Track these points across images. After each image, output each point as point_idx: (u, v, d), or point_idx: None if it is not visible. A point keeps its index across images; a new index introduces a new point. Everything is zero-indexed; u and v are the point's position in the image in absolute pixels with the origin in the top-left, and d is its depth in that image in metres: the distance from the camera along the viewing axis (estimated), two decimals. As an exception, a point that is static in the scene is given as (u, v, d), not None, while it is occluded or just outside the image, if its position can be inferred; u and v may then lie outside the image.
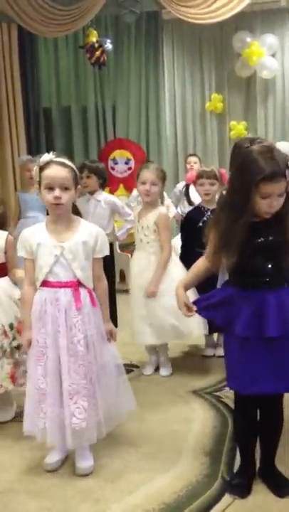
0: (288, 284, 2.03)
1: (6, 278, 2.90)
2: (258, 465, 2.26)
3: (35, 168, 2.31)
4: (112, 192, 6.03)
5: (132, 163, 6.83)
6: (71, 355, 2.27)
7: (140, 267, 3.43)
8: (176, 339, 3.49)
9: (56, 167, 2.26)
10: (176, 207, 5.48)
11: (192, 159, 5.96)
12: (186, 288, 2.14)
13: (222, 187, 3.36)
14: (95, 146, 7.29)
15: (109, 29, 7.03)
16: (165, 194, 3.68)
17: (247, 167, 1.90)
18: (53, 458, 2.45)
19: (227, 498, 2.15)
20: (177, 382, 3.38)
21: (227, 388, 2.96)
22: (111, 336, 2.46)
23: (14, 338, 2.76)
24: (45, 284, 2.32)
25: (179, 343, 3.82)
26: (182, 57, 7.15)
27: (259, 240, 1.97)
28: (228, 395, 3.05)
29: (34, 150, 6.95)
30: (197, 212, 3.59)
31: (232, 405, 2.91)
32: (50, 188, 2.25)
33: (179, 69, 7.17)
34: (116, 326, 3.97)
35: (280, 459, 2.26)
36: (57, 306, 2.29)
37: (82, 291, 2.32)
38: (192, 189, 4.07)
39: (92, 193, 4.17)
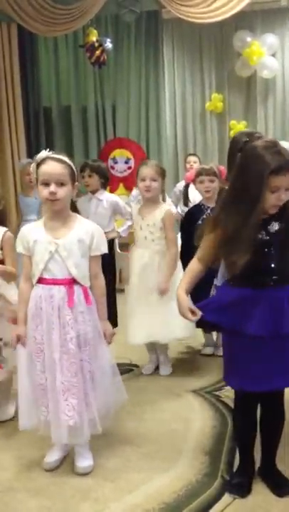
0: None
1: None
2: (257, 464, 2.26)
3: (33, 165, 2.33)
4: (111, 191, 6.03)
5: (132, 163, 6.83)
6: (63, 353, 2.28)
7: (143, 265, 3.39)
8: (166, 339, 3.46)
9: (52, 163, 2.27)
10: (176, 206, 5.47)
11: (192, 159, 5.96)
12: (187, 292, 2.09)
13: (222, 184, 3.37)
14: (95, 146, 7.29)
15: (109, 28, 7.03)
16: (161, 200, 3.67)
17: (253, 163, 1.89)
18: (52, 457, 2.46)
19: (227, 497, 2.15)
20: (177, 382, 3.38)
21: (227, 387, 2.96)
22: (106, 337, 2.40)
23: None
24: (40, 280, 2.32)
25: (179, 342, 3.82)
26: (182, 57, 7.15)
27: (266, 238, 1.96)
28: (227, 394, 3.05)
29: (34, 149, 6.94)
30: (198, 209, 3.59)
31: (231, 405, 2.91)
32: (46, 184, 2.26)
33: (179, 68, 7.17)
34: (116, 325, 3.97)
35: (280, 459, 2.26)
36: (51, 304, 2.29)
37: (77, 289, 2.31)
38: (192, 188, 4.06)
39: (93, 192, 4.17)
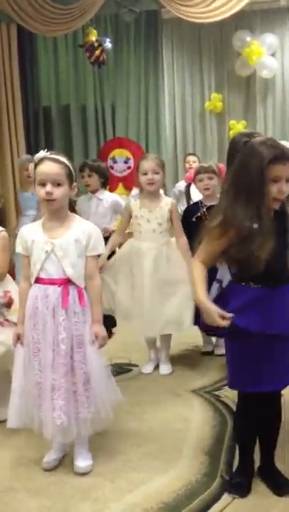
0: None
1: None
2: (257, 464, 2.26)
3: (31, 165, 2.34)
4: (111, 191, 6.01)
5: (132, 163, 6.83)
6: (55, 353, 2.28)
7: (153, 258, 3.35)
8: (179, 329, 3.45)
9: (49, 163, 2.27)
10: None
11: (191, 158, 5.97)
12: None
13: (222, 181, 3.37)
14: (95, 145, 7.30)
15: (109, 28, 7.04)
16: (162, 192, 3.68)
17: (251, 157, 1.91)
18: (50, 456, 2.46)
19: (226, 497, 2.15)
20: (176, 381, 3.38)
21: (226, 387, 2.96)
22: (97, 339, 2.32)
23: None
24: (37, 280, 2.33)
25: (179, 342, 3.82)
26: (182, 57, 7.15)
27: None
28: (227, 394, 3.05)
29: (33, 149, 6.95)
30: (195, 207, 3.62)
31: (231, 404, 2.93)
32: (43, 184, 2.27)
33: (179, 68, 7.17)
34: (115, 325, 3.96)
35: (279, 459, 2.26)
36: (46, 303, 2.30)
37: (72, 290, 2.30)
38: (193, 188, 4.07)
39: (93, 191, 4.17)
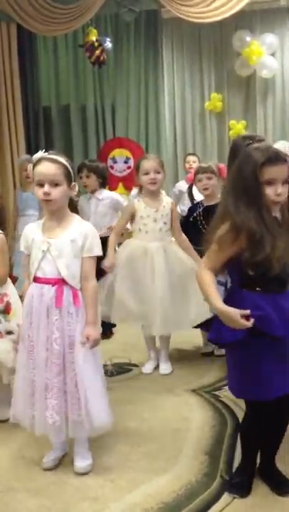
0: None
1: None
2: (257, 464, 2.26)
3: (29, 166, 2.35)
4: (111, 191, 6.03)
5: (132, 162, 6.82)
6: (49, 352, 2.28)
7: (163, 257, 3.37)
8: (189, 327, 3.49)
9: (46, 163, 2.27)
10: (176, 206, 5.46)
11: (191, 158, 5.96)
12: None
13: (222, 181, 3.37)
14: (95, 145, 7.29)
15: (109, 28, 7.04)
16: (163, 192, 3.68)
17: (246, 162, 1.92)
18: (50, 456, 2.47)
19: (226, 497, 2.15)
20: (176, 381, 3.38)
21: (226, 387, 2.95)
22: (88, 341, 2.28)
23: None
24: (35, 279, 2.35)
25: (178, 341, 3.82)
26: (181, 57, 7.15)
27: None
28: (226, 394, 3.05)
29: (33, 148, 6.95)
30: (195, 207, 3.65)
31: (231, 405, 2.93)
32: (41, 185, 2.27)
33: (179, 68, 7.17)
34: (114, 325, 3.97)
35: (279, 459, 2.26)
36: (41, 302, 2.30)
37: (67, 290, 2.30)
38: (195, 188, 4.07)
39: (92, 192, 4.17)
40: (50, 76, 7.39)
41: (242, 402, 2.33)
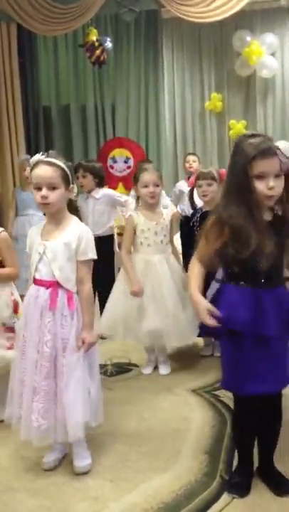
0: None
1: None
2: (256, 464, 2.26)
3: (28, 169, 2.36)
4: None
5: (131, 162, 6.83)
6: (40, 354, 2.28)
7: (167, 270, 3.38)
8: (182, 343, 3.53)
9: (43, 167, 2.27)
10: (176, 206, 5.47)
11: (191, 158, 5.96)
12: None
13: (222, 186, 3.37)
14: (95, 145, 7.30)
15: (109, 28, 7.04)
16: (163, 192, 3.68)
17: (238, 156, 1.93)
18: (50, 457, 2.47)
19: (226, 497, 2.15)
20: (176, 381, 3.38)
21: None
22: (82, 344, 2.28)
23: None
24: (34, 281, 2.37)
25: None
26: (182, 57, 7.15)
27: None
28: (226, 394, 3.05)
29: (33, 148, 6.96)
30: (195, 212, 3.64)
31: (230, 404, 2.91)
32: (39, 188, 2.28)
33: (179, 68, 7.17)
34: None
35: (279, 459, 2.26)
36: (36, 304, 2.31)
37: (61, 293, 2.30)
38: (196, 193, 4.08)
39: (89, 191, 4.20)
40: (50, 76, 7.39)
41: (241, 402, 2.33)
